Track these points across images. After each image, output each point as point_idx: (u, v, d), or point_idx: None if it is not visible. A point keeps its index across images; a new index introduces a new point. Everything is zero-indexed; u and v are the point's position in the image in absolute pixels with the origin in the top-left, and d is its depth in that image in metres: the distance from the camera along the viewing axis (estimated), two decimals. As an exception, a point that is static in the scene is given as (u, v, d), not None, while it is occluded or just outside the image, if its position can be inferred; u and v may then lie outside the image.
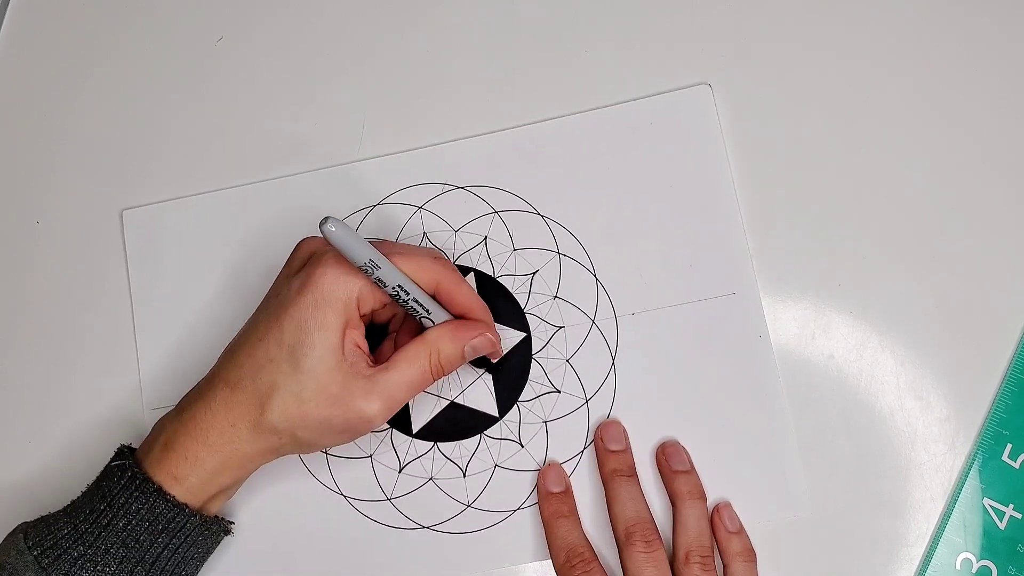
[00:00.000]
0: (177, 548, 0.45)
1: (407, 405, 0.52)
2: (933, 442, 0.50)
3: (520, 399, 0.52)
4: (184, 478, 0.45)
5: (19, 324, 0.56)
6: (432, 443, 0.52)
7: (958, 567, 0.49)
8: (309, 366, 0.44)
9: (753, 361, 0.51)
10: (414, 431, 0.52)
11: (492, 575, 0.51)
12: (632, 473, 0.50)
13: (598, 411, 0.51)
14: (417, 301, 0.46)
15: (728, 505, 0.50)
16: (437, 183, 0.54)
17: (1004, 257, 0.51)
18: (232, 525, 0.49)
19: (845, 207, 0.52)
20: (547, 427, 0.52)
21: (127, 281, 0.55)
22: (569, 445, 0.51)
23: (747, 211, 0.52)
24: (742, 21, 0.55)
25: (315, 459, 0.52)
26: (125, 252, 0.56)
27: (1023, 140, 0.52)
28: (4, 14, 0.58)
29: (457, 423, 0.52)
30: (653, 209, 0.53)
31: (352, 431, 0.46)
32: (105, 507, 0.45)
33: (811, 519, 0.50)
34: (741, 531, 0.49)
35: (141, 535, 0.44)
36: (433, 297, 0.47)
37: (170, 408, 0.47)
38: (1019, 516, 0.49)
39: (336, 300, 0.44)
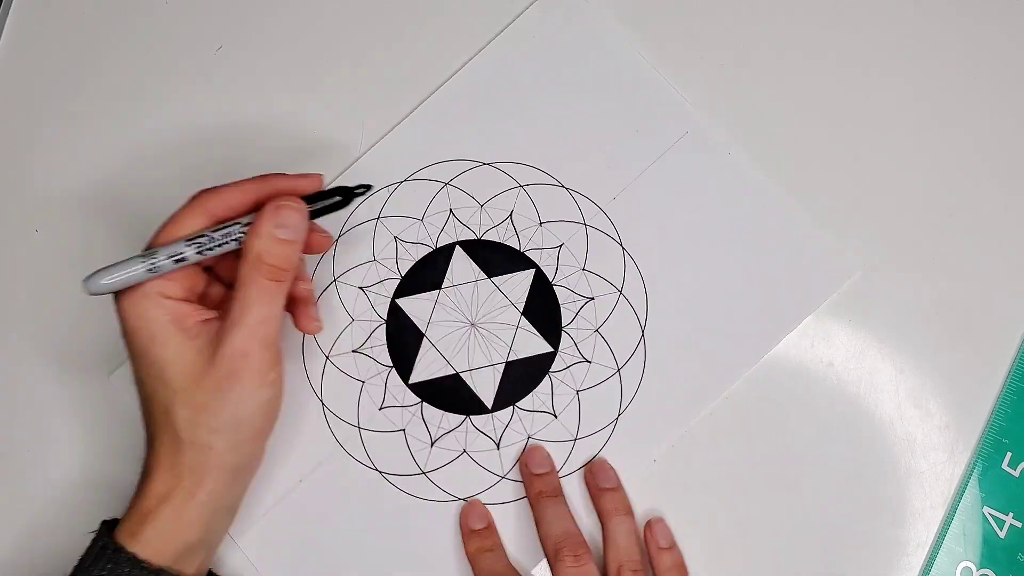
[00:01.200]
0: None
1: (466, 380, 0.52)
2: (933, 450, 0.50)
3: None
4: (152, 537, 0.44)
5: (19, 330, 0.56)
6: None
7: (958, 576, 0.49)
8: (176, 375, 0.44)
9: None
10: (489, 404, 0.52)
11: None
12: (557, 493, 0.50)
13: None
14: (218, 241, 0.45)
15: (660, 520, 0.50)
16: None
17: (1004, 264, 0.51)
18: None
19: (845, 212, 0.52)
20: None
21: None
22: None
23: (746, 218, 0.52)
24: (743, 24, 0.54)
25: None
26: (124, 259, 0.56)
27: (1023, 144, 0.52)
28: (4, 22, 0.58)
29: (516, 382, 0.52)
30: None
31: (250, 380, 0.44)
32: None
33: (811, 526, 0.50)
34: (673, 546, 0.49)
35: None
36: (225, 225, 0.45)
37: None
38: (1019, 525, 0.49)
39: (147, 318, 0.44)
